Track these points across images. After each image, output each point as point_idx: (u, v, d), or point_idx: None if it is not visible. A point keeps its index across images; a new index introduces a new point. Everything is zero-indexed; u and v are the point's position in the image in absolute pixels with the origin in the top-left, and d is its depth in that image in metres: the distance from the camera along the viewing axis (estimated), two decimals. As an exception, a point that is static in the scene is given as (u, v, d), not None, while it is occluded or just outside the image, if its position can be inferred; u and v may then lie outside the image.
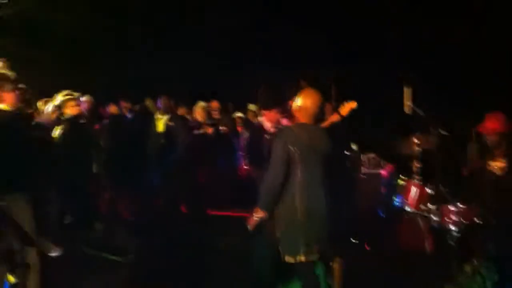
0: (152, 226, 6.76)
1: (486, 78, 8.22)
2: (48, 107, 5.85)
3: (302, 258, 3.78)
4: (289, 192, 3.82)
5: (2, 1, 10.29)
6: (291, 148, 3.80)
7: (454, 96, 7.68)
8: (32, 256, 4.07)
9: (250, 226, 3.97)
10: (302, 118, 4.01)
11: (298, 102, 4.02)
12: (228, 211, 7.77)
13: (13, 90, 4.24)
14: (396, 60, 9.03)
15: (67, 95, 6.04)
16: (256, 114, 9.67)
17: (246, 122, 9.02)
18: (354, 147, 7.62)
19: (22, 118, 4.49)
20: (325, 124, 5.52)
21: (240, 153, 8.62)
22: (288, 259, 3.85)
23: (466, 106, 6.44)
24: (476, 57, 8.34)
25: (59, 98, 6.00)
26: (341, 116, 5.35)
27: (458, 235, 5.05)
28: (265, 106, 5.25)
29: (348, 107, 5.36)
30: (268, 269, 4.38)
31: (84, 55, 10.90)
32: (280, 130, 4.24)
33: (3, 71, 4.53)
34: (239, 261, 5.67)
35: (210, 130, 7.68)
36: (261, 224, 3.98)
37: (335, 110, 5.35)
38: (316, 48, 10.53)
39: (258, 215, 3.91)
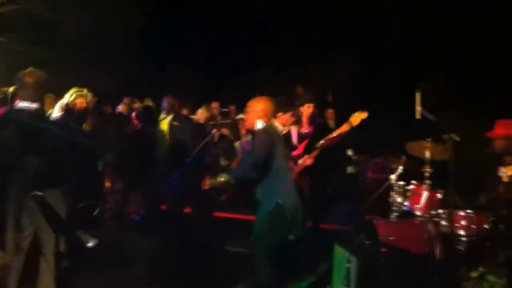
0: (159, 226, 6.75)
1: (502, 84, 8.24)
2: (58, 105, 5.87)
3: (292, 238, 4.35)
4: (269, 179, 4.32)
5: None
6: (273, 140, 4.33)
7: (468, 102, 7.70)
8: (49, 249, 4.05)
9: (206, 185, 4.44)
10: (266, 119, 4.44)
11: (256, 107, 4.46)
12: (233, 213, 7.78)
13: None
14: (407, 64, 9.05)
15: (75, 92, 6.07)
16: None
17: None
18: (350, 152, 7.63)
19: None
20: (335, 133, 5.54)
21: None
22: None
23: (480, 113, 6.47)
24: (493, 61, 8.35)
25: (67, 96, 6.03)
26: (352, 126, 5.36)
27: (467, 240, 5.07)
28: (281, 109, 5.35)
29: (359, 117, 5.36)
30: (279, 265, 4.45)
31: (90, 53, 10.86)
32: (263, 128, 4.45)
33: None
34: (244, 263, 5.70)
35: (216, 133, 7.67)
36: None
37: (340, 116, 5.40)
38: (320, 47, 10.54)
39: (223, 180, 4.33)
